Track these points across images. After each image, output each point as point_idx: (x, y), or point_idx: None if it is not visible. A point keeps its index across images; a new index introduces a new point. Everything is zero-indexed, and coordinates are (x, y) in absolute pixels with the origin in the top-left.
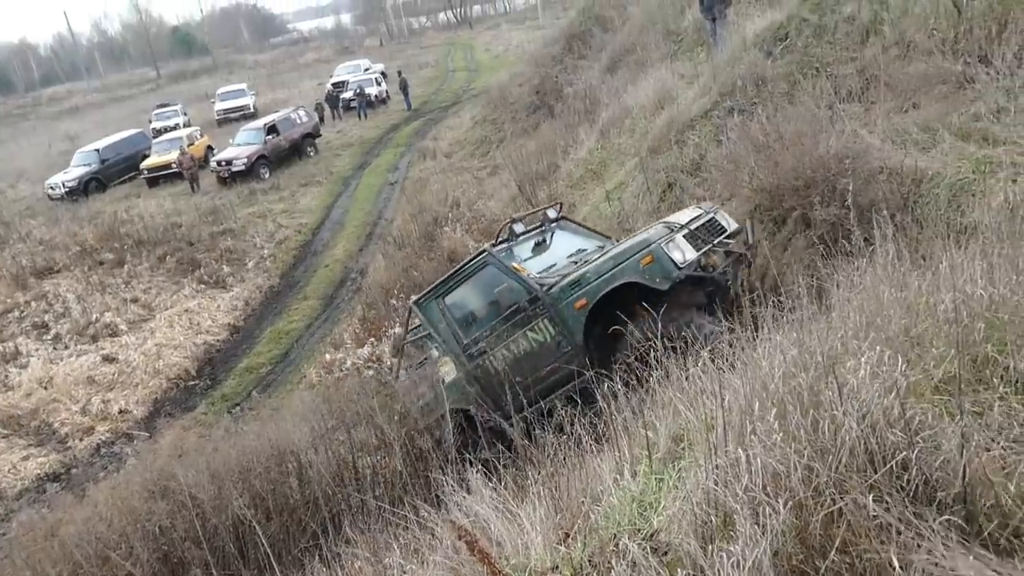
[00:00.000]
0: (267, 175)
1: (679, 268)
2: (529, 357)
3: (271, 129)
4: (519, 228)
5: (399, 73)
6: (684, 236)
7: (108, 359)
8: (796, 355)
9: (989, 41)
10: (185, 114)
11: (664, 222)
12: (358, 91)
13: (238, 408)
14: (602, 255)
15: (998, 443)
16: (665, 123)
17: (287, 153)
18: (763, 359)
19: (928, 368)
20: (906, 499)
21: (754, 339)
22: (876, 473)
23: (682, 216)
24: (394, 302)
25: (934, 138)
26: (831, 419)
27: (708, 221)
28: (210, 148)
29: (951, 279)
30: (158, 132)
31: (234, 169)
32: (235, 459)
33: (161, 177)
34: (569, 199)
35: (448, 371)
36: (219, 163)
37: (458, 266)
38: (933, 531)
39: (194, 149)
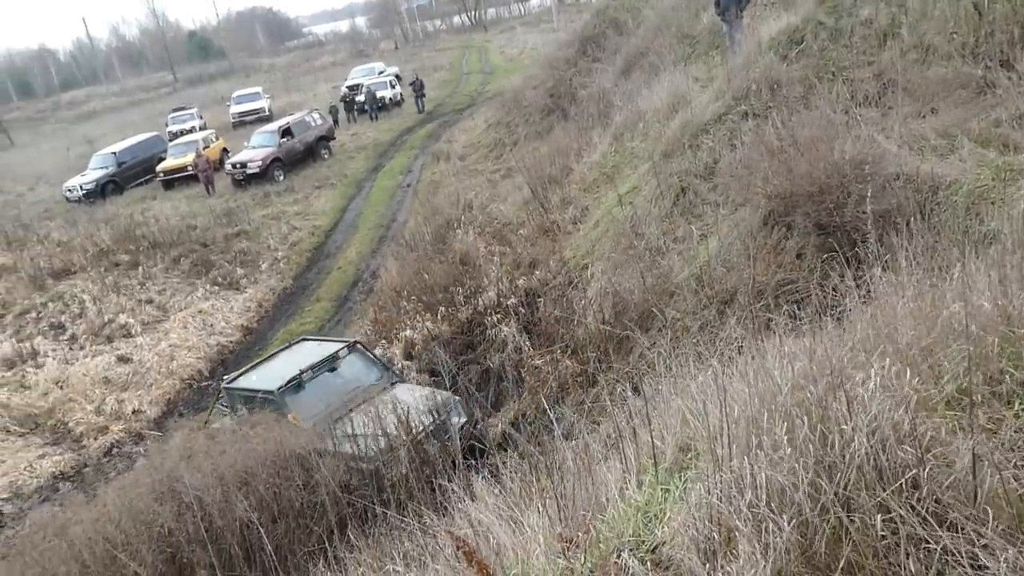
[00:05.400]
0: (281, 177)
1: None
2: None
3: (286, 132)
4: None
5: (415, 76)
6: None
7: (123, 360)
8: (806, 365)
9: (1011, 45)
10: (201, 117)
11: None
12: (368, 94)
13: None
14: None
15: (1011, 462)
16: (679, 127)
17: (301, 156)
18: (774, 368)
19: (941, 382)
20: (917, 519)
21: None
22: (885, 491)
23: None
24: (405, 304)
25: (952, 144)
26: (840, 433)
27: None
28: (225, 151)
29: (962, 291)
30: (174, 135)
31: (249, 171)
32: (241, 463)
33: (177, 180)
34: (582, 202)
35: None
36: (234, 165)
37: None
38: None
39: (210, 152)
